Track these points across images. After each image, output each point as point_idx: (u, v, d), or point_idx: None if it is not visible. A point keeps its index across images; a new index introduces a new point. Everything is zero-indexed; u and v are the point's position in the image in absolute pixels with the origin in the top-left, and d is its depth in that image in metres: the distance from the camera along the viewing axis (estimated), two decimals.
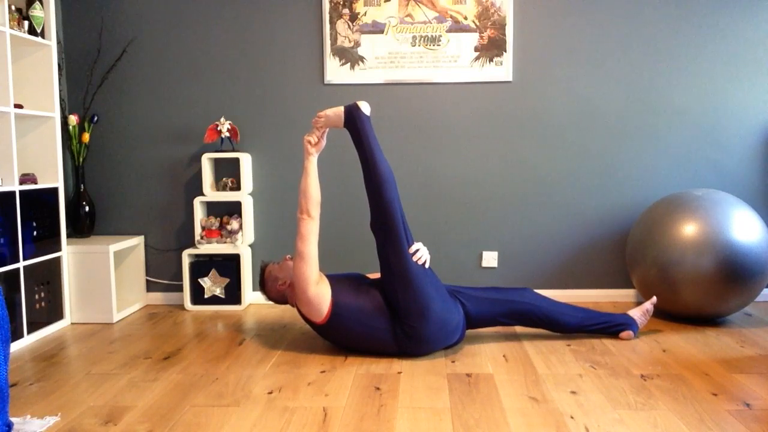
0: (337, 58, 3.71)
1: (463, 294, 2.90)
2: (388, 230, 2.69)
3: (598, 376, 2.52)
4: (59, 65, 3.76)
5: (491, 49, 3.67)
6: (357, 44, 3.69)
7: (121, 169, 3.84)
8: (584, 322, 2.98)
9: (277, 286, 2.89)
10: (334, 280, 2.80)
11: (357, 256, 3.81)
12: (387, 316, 2.71)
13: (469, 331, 3.16)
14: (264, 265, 3.00)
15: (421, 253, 2.72)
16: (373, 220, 2.73)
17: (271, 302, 3.78)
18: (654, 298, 3.08)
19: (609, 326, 3.00)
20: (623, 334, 2.99)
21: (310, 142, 2.81)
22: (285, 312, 3.62)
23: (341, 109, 2.78)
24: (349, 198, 3.79)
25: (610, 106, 3.71)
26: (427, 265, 2.74)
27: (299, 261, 2.70)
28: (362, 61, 3.70)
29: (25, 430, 2.07)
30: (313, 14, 3.71)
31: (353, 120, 2.75)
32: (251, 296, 3.83)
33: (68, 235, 3.75)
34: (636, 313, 3.04)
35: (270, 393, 2.39)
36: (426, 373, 2.57)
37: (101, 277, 3.44)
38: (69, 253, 3.44)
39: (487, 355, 2.80)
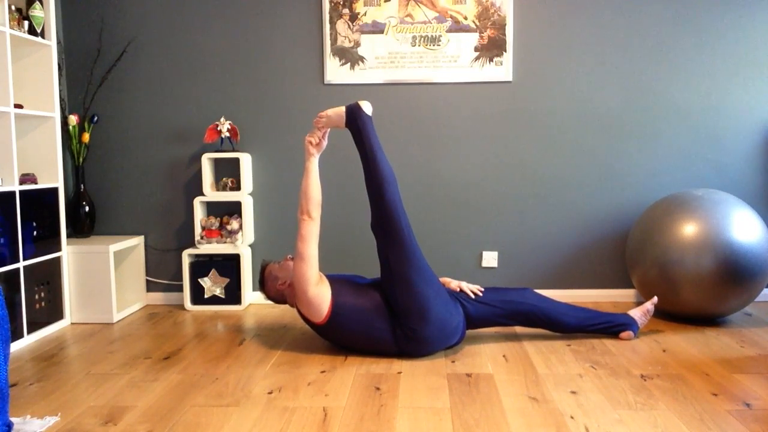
0: (337, 58, 3.71)
1: (463, 295, 2.90)
2: (389, 231, 2.69)
3: (598, 376, 2.52)
4: (59, 65, 3.76)
5: (491, 49, 3.67)
6: (357, 44, 3.69)
7: (121, 169, 3.84)
8: (584, 322, 2.98)
9: (277, 286, 2.89)
10: (334, 280, 2.80)
11: (357, 256, 3.81)
12: (387, 317, 2.71)
13: (469, 331, 3.15)
14: (264, 264, 3.00)
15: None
16: (374, 220, 2.73)
17: (270, 302, 3.77)
18: (655, 298, 3.08)
19: (609, 326, 3.00)
20: (623, 335, 2.99)
21: (311, 143, 2.80)
22: (285, 312, 3.62)
23: (342, 109, 2.78)
24: (349, 198, 3.79)
25: (610, 106, 3.71)
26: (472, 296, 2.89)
27: (299, 261, 2.70)
28: (362, 61, 3.70)
29: (25, 430, 2.07)
30: (313, 14, 3.71)
31: (355, 120, 2.75)
32: (251, 296, 3.83)
33: (68, 235, 3.75)
34: (636, 313, 3.04)
35: (270, 393, 2.39)
36: (426, 373, 2.57)
37: (101, 277, 3.44)
38: (69, 253, 3.44)
39: (487, 355, 2.80)
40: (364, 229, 3.80)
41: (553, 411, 2.19)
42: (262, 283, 2.97)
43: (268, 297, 2.97)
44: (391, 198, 2.69)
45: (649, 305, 3.06)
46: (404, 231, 2.69)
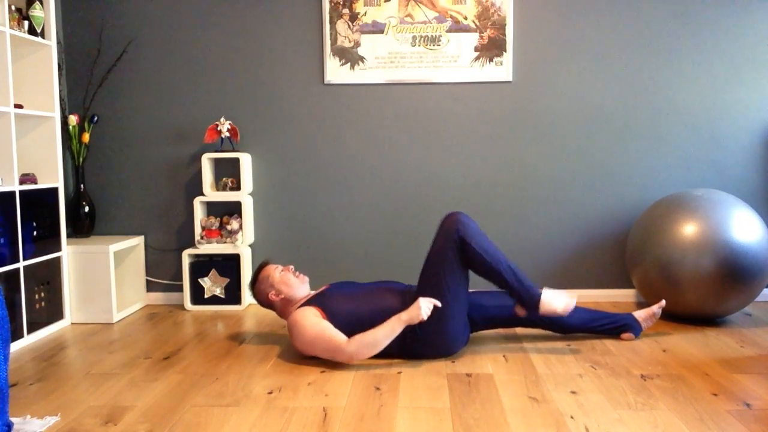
0: (337, 58, 3.71)
1: (469, 302, 2.89)
2: (469, 256, 2.67)
3: (598, 376, 2.52)
4: (59, 65, 3.76)
5: (491, 49, 3.67)
6: (357, 44, 3.69)
7: (121, 169, 3.84)
8: (587, 322, 2.97)
9: (270, 295, 2.85)
10: (326, 304, 2.72)
11: (357, 256, 3.82)
12: (387, 317, 2.70)
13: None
14: (264, 264, 2.96)
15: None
16: (460, 234, 2.67)
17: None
18: (663, 302, 3.01)
19: (612, 326, 2.99)
20: (624, 335, 2.99)
21: (421, 315, 2.56)
22: None
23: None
24: (351, 198, 3.80)
25: (610, 106, 3.71)
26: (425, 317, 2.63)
27: (338, 353, 2.60)
28: (362, 61, 3.70)
29: (25, 430, 2.07)
30: (313, 14, 3.71)
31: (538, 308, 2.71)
32: (251, 296, 3.83)
33: (68, 235, 3.75)
34: (641, 315, 3.02)
35: (270, 393, 2.39)
36: (426, 373, 2.57)
37: (101, 277, 3.44)
38: (69, 253, 3.44)
39: (487, 355, 2.80)
40: (364, 229, 3.80)
41: (553, 411, 2.19)
42: (255, 281, 2.92)
43: (255, 297, 2.93)
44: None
45: (656, 308, 3.00)
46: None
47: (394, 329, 2.58)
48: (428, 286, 2.70)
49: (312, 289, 3.84)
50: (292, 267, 2.93)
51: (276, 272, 2.88)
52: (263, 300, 2.91)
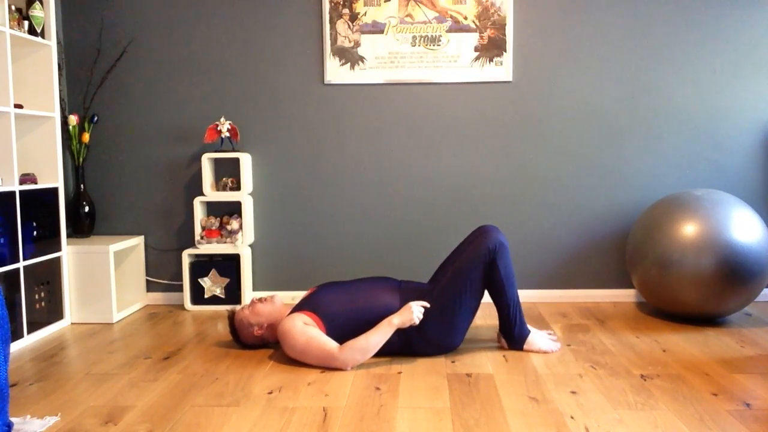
0: (337, 58, 3.71)
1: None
2: (491, 270, 2.72)
3: (598, 376, 2.52)
4: (59, 65, 3.76)
5: (491, 49, 3.67)
6: (357, 44, 3.69)
7: (121, 169, 3.84)
8: (510, 307, 2.80)
9: (254, 333, 2.83)
10: (319, 311, 2.70)
11: (357, 257, 3.82)
12: (387, 314, 2.69)
13: (468, 331, 3.16)
14: (232, 314, 2.91)
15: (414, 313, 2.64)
16: (491, 255, 2.71)
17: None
18: (554, 336, 2.98)
19: (507, 326, 2.84)
20: (502, 341, 2.88)
21: (413, 319, 2.61)
22: None
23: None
24: (351, 198, 3.80)
25: (610, 107, 3.71)
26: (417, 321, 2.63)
27: (331, 360, 2.61)
28: (362, 61, 3.70)
29: (25, 430, 2.07)
30: (313, 14, 3.71)
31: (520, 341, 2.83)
32: (251, 296, 3.83)
33: (68, 235, 3.75)
34: (535, 336, 2.87)
35: (270, 393, 2.39)
36: (426, 373, 2.57)
37: (101, 277, 3.44)
38: (69, 253, 3.44)
39: (487, 355, 2.80)
40: (364, 229, 3.80)
41: (553, 411, 2.19)
42: (235, 332, 2.89)
43: (246, 346, 2.91)
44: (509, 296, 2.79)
45: (547, 335, 2.96)
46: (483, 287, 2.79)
47: (386, 333, 2.61)
48: (447, 289, 2.72)
49: (302, 290, 3.84)
50: (256, 298, 2.91)
51: (245, 311, 2.87)
52: (254, 342, 2.89)
